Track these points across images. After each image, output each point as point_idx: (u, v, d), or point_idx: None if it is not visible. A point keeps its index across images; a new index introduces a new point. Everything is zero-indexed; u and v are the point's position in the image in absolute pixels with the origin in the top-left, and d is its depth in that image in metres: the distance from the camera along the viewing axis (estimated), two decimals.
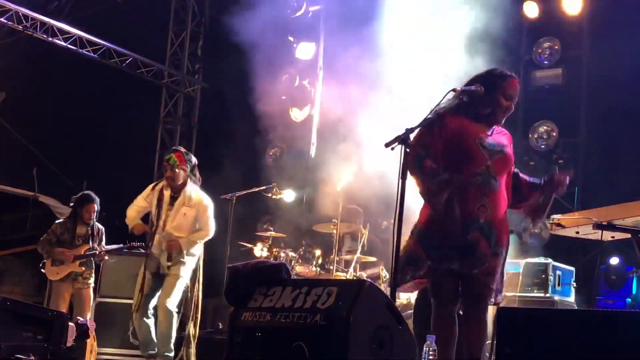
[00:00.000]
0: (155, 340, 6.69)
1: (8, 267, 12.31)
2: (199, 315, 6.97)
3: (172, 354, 6.63)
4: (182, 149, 7.05)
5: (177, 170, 6.75)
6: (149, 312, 6.70)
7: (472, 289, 4.53)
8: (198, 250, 6.90)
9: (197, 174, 6.97)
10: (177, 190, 6.83)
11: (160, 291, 6.77)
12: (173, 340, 6.63)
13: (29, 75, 11.42)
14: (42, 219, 12.30)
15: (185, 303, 6.86)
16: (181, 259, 6.73)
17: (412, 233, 4.69)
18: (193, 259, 6.85)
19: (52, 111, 11.78)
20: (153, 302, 6.75)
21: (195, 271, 6.91)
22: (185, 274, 6.76)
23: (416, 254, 4.60)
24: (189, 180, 6.85)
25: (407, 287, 4.90)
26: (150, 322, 6.70)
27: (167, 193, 6.86)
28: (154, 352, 6.66)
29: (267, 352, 4.16)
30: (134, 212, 7.05)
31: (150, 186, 7.12)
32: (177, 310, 6.69)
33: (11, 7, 10.59)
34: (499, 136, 4.69)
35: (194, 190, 6.86)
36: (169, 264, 6.71)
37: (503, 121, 4.76)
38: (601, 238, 5.64)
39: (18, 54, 11.45)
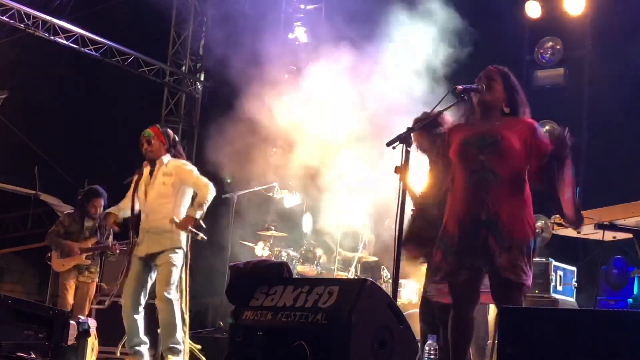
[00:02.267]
0: (144, 336, 6.41)
1: (9, 265, 12.35)
2: (187, 299, 6.67)
3: (181, 347, 6.28)
4: (158, 125, 6.78)
5: (153, 141, 6.49)
6: (140, 307, 6.40)
7: (495, 286, 4.47)
8: (185, 238, 6.45)
9: (180, 150, 6.70)
10: (155, 164, 6.55)
11: (155, 283, 6.47)
12: (179, 330, 6.28)
13: (30, 73, 11.44)
14: (43, 218, 12.35)
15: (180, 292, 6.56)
16: (171, 248, 6.37)
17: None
18: (181, 248, 6.43)
19: (54, 110, 11.81)
20: (145, 295, 6.44)
21: (185, 257, 6.51)
22: (177, 261, 6.39)
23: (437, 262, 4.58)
24: (167, 153, 6.54)
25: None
26: (140, 317, 6.41)
27: (146, 171, 6.59)
28: (139, 347, 6.37)
29: (268, 351, 4.16)
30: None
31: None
32: (177, 298, 6.38)
33: (13, 6, 10.60)
34: (504, 128, 4.53)
35: (171, 160, 6.54)
36: (159, 249, 6.34)
37: (502, 107, 4.59)
38: (603, 238, 5.63)
39: (20, 53, 11.45)
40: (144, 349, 6.43)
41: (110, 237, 8.14)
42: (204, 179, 6.49)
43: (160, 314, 6.35)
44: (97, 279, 8.14)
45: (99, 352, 7.22)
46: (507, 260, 4.33)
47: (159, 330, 6.46)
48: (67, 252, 7.92)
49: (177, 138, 6.75)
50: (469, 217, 4.46)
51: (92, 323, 6.83)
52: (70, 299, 7.89)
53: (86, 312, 7.96)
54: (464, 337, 4.58)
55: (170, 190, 6.43)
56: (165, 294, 6.28)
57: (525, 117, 4.58)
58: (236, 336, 4.36)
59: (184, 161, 6.62)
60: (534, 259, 4.46)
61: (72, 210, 8.31)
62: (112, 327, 8.15)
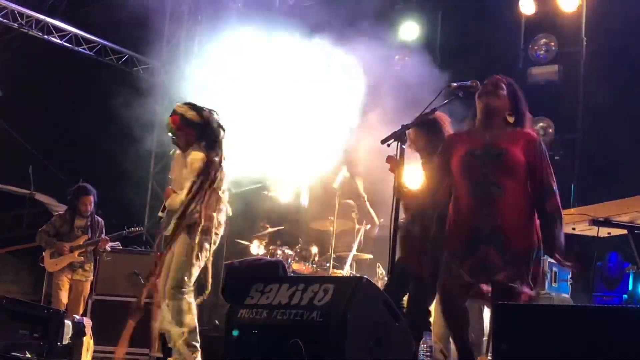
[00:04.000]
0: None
1: (4, 265, 12.30)
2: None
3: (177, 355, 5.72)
4: (180, 109, 5.99)
5: (175, 138, 5.98)
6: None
7: (497, 297, 4.42)
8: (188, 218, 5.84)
9: (215, 129, 5.93)
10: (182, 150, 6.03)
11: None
12: (181, 331, 5.71)
13: (24, 73, 11.41)
14: (38, 218, 12.27)
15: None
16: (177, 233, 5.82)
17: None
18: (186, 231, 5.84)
19: (48, 109, 11.76)
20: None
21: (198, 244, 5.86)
22: (182, 247, 5.82)
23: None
24: (197, 141, 5.93)
25: None
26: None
27: (178, 155, 6.13)
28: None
29: (264, 349, 4.16)
30: None
31: None
32: (180, 291, 5.75)
33: (7, 5, 10.57)
34: (507, 140, 4.54)
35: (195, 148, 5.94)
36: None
37: (498, 118, 4.62)
38: (597, 234, 5.63)
39: (14, 52, 11.42)
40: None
41: (103, 235, 8.14)
42: (194, 167, 5.83)
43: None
44: (91, 277, 8.14)
45: (94, 351, 7.21)
46: (508, 274, 4.36)
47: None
48: (59, 251, 7.93)
49: (205, 114, 5.99)
50: (472, 230, 4.48)
51: (87, 322, 6.83)
52: (64, 298, 7.89)
53: (80, 311, 7.95)
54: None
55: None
56: (165, 288, 5.84)
57: (528, 130, 4.62)
58: (232, 335, 4.36)
59: (198, 150, 5.93)
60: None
61: (62, 212, 8.31)
62: (107, 327, 8.16)
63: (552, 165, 4.61)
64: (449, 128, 5.56)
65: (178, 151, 6.16)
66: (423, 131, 5.48)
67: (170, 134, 6.02)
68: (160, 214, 6.07)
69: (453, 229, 4.61)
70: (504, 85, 4.63)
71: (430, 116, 5.12)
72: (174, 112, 6.01)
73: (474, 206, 4.49)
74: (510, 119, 4.62)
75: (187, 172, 5.88)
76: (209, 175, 5.89)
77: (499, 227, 4.40)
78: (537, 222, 4.51)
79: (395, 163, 5.76)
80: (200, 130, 5.94)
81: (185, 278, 5.82)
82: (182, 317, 5.80)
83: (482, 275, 4.47)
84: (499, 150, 4.48)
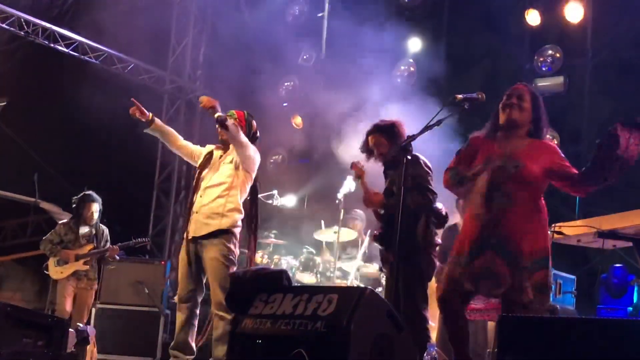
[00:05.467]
0: (192, 343, 5.87)
1: (9, 273, 12.33)
2: None
3: None
4: (246, 112, 6.20)
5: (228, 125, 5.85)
6: (187, 302, 5.85)
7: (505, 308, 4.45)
8: (233, 222, 5.96)
9: (256, 146, 6.05)
10: (227, 150, 6.01)
11: (205, 279, 5.88)
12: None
13: (30, 81, 11.44)
14: (43, 225, 12.32)
15: None
16: (218, 235, 5.80)
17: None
18: (231, 235, 5.92)
19: (53, 117, 11.80)
20: (196, 291, 5.88)
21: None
22: (224, 253, 5.84)
23: None
24: None
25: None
26: (184, 315, 5.83)
27: (217, 153, 6.05)
28: (183, 356, 5.85)
29: (268, 359, 4.15)
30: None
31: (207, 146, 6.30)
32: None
33: (13, 13, 10.61)
34: (527, 152, 4.55)
35: None
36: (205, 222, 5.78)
37: (518, 123, 4.62)
38: (602, 246, 5.63)
39: (20, 60, 11.46)
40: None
41: (108, 244, 8.14)
42: (250, 149, 5.88)
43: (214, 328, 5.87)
44: (95, 286, 8.14)
45: (98, 359, 7.22)
46: (513, 286, 4.37)
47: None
48: (65, 259, 7.94)
49: (258, 134, 6.19)
50: (480, 237, 4.50)
51: (91, 331, 6.83)
52: (68, 306, 7.88)
53: (84, 319, 7.95)
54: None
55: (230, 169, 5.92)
56: (220, 299, 5.68)
57: (546, 141, 4.65)
58: (235, 344, 4.36)
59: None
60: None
61: (66, 220, 8.31)
62: (111, 335, 8.17)
63: None
64: (405, 130, 5.67)
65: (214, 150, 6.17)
66: (383, 137, 5.57)
67: (228, 120, 5.86)
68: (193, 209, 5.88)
69: (462, 231, 4.67)
70: (528, 98, 4.64)
71: (388, 122, 5.30)
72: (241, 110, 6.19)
73: (483, 214, 4.51)
74: (530, 130, 4.63)
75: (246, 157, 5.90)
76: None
77: (505, 237, 4.41)
78: (545, 231, 4.52)
79: (359, 170, 5.84)
80: (249, 133, 6.07)
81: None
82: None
83: (485, 280, 4.44)
84: (517, 162, 4.49)
